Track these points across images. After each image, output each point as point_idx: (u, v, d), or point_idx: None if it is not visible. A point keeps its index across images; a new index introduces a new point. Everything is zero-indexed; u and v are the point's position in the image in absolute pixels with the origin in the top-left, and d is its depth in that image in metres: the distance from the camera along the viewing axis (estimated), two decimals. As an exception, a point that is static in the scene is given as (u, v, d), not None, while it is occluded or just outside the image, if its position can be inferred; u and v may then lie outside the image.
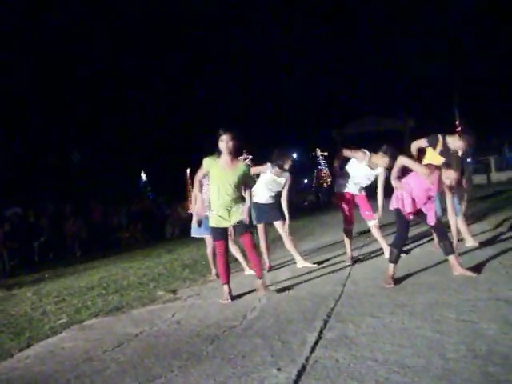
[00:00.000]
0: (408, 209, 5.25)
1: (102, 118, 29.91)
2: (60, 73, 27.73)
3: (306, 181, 63.74)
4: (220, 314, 5.11)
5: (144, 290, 7.05)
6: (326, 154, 60.57)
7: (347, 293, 5.18)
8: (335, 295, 5.10)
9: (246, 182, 5.79)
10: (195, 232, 7.24)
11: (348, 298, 4.96)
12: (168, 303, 6.03)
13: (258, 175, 7.40)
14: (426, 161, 6.56)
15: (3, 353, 4.66)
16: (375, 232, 7.01)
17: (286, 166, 7.18)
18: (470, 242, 6.82)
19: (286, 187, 7.24)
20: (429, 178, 5.19)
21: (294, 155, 63.84)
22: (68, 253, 16.93)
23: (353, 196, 7.00)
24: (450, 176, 5.15)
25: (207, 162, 5.69)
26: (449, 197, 5.43)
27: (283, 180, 7.19)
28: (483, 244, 6.80)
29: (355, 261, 6.99)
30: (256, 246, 5.85)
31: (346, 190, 6.99)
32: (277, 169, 7.13)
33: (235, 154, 5.68)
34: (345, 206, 7.03)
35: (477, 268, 5.33)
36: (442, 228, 5.42)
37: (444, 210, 6.68)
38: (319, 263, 7.19)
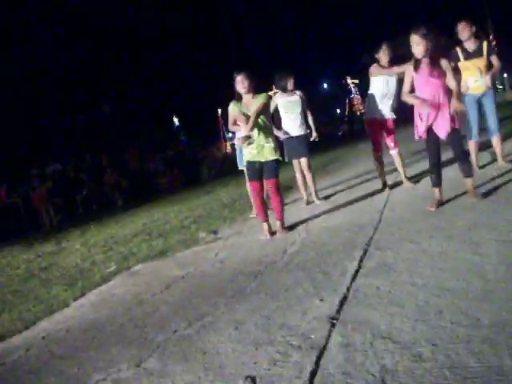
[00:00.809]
0: (421, 128, 5.11)
1: (129, 68, 29.78)
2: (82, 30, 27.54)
3: (338, 110, 62.78)
4: (261, 250, 5.23)
5: (186, 233, 7.24)
6: (357, 81, 58.91)
7: (385, 220, 5.21)
8: (373, 223, 5.13)
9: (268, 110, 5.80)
10: (242, 164, 7.19)
11: (386, 225, 4.99)
12: (210, 243, 6.19)
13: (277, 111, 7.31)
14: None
15: (60, 303, 4.92)
16: (397, 161, 6.93)
17: (290, 85, 7.13)
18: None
19: (305, 105, 7.23)
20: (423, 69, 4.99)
21: (325, 85, 62.70)
22: (110, 203, 17.36)
23: (381, 122, 6.87)
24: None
25: (231, 107, 5.75)
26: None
27: (296, 97, 7.16)
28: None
29: (391, 187, 6.97)
30: (280, 190, 5.89)
31: (375, 114, 6.88)
32: (285, 91, 7.15)
33: (254, 91, 5.71)
34: (373, 132, 6.96)
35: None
36: (460, 144, 5.13)
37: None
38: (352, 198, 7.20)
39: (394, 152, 6.92)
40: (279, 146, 6.10)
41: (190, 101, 32.18)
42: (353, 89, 61.54)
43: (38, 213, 15.27)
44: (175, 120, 41.27)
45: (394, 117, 6.87)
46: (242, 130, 5.75)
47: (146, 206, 13.40)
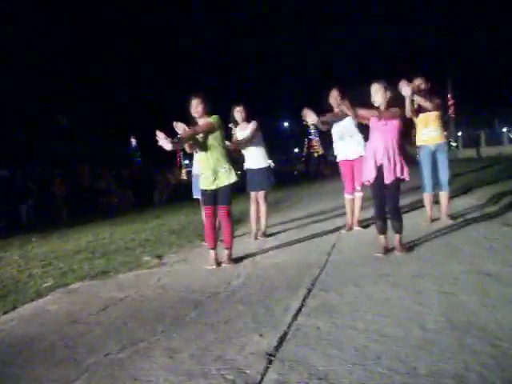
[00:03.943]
0: (369, 169, 5.21)
1: (90, 82, 29.39)
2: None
3: (296, 150, 63.69)
4: (205, 279, 5.15)
5: (130, 255, 7.06)
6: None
7: (332, 262, 5.24)
8: (320, 264, 5.15)
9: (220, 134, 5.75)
10: (197, 193, 7.11)
11: (332, 267, 5.01)
12: (154, 268, 6.06)
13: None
14: None
15: (-12, 314, 4.67)
16: (357, 204, 7.03)
17: (238, 116, 7.21)
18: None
19: (256, 133, 7.16)
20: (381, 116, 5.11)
21: (285, 124, 63.58)
22: (55, 216, 16.85)
23: (349, 162, 6.95)
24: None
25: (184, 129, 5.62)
26: None
27: (249, 128, 7.15)
28: (469, 218, 6.85)
29: (340, 230, 7.05)
30: (231, 218, 5.85)
31: (341, 155, 6.99)
32: (238, 125, 7.21)
33: (207, 115, 5.65)
34: (342, 173, 7.08)
35: (460, 241, 5.40)
36: (396, 197, 5.22)
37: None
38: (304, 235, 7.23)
39: (358, 195, 6.99)
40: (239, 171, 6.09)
41: (148, 123, 31.91)
42: (312, 130, 62.67)
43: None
44: (132, 140, 40.87)
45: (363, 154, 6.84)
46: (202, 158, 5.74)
47: (93, 224, 13.07)
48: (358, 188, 6.93)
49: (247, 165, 7.30)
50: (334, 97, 6.78)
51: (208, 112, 5.66)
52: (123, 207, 18.70)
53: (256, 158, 7.22)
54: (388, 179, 5.10)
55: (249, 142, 7.09)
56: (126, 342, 3.45)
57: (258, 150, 7.21)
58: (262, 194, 7.28)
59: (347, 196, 7.06)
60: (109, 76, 30.02)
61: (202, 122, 5.62)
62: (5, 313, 4.72)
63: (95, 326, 3.96)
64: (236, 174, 5.76)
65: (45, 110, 27.30)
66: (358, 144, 6.81)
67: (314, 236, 6.96)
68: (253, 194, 7.34)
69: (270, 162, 7.34)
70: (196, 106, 5.61)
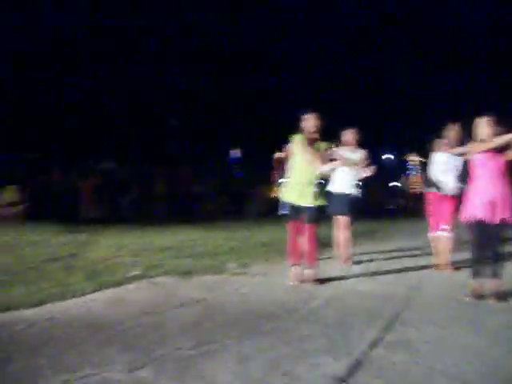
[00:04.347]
0: (472, 208, 4.94)
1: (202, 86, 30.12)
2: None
3: (395, 184, 62.21)
4: (284, 295, 5.11)
5: (216, 260, 7.17)
6: (418, 159, 57.95)
7: (417, 298, 5.02)
8: (404, 298, 4.96)
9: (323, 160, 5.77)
10: (285, 210, 7.15)
11: (416, 303, 4.81)
12: (236, 276, 6.12)
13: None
14: None
15: (74, 291, 4.90)
16: (445, 245, 6.67)
17: (349, 137, 7.14)
18: None
19: (363, 165, 7.05)
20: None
21: (391, 156, 62.21)
22: (153, 212, 17.52)
23: (441, 197, 6.67)
24: None
25: (293, 139, 5.78)
26: None
27: (358, 155, 7.07)
28: None
29: (429, 268, 6.76)
30: (315, 238, 5.76)
31: (434, 189, 6.72)
32: (344, 146, 7.11)
33: (317, 135, 5.73)
34: (431, 208, 6.78)
35: None
36: (499, 241, 4.91)
37: None
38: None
39: (447, 235, 6.65)
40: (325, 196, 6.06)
41: (252, 137, 32.24)
42: (413, 166, 60.96)
43: (81, 202, 15.52)
44: (234, 152, 41.58)
45: (457, 193, 6.38)
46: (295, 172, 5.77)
47: (186, 225, 13.45)
48: (448, 227, 6.59)
49: (335, 188, 7.17)
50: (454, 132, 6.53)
51: (320, 130, 5.74)
52: (217, 213, 19.11)
53: (346, 184, 7.13)
54: (494, 219, 4.82)
55: (351, 165, 7.00)
56: (199, 341, 3.47)
57: (350, 176, 7.11)
58: (346, 220, 7.15)
59: (434, 234, 6.76)
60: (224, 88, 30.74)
61: (312, 139, 5.70)
62: (91, 292, 4.95)
63: (171, 320, 4.03)
64: (324, 198, 5.80)
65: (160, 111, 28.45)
66: (458, 180, 6.51)
67: (401, 270, 6.73)
68: (338, 218, 7.23)
69: (359, 190, 7.21)
70: (314, 121, 5.70)
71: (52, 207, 14.81)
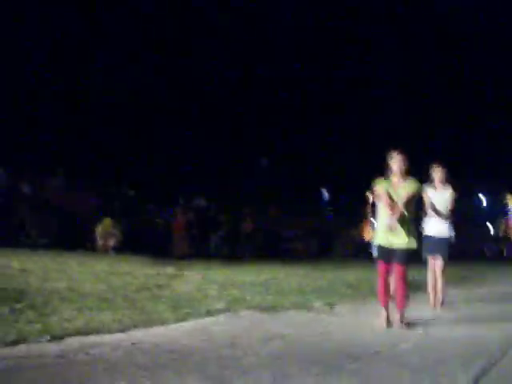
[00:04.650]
0: None
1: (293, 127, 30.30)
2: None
3: (491, 228, 58.91)
4: (371, 336, 4.91)
5: (302, 298, 7.05)
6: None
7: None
8: (501, 346, 4.61)
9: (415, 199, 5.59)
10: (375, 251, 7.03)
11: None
12: (322, 314, 5.98)
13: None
14: None
15: (160, 320, 4.96)
16: None
17: (437, 176, 6.85)
18: None
19: (451, 203, 6.80)
20: None
21: (483, 200, 59.28)
22: (240, 250, 17.69)
23: None
24: None
25: (379, 184, 5.61)
26: None
27: (447, 194, 6.80)
28: None
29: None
30: (406, 279, 5.52)
31: None
32: (433, 184, 6.84)
33: (406, 174, 5.53)
34: None
35: None
36: None
37: None
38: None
39: None
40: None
41: (341, 178, 31.77)
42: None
43: (171, 238, 15.94)
44: (325, 193, 41.32)
45: None
46: (384, 214, 5.55)
47: (272, 263, 13.41)
48: None
49: (428, 231, 6.94)
50: None
51: (406, 170, 5.53)
52: (304, 253, 18.98)
53: (440, 227, 6.84)
54: None
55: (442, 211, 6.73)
56: (278, 376, 3.36)
57: (444, 219, 6.81)
58: (440, 264, 6.84)
59: None
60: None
61: (399, 178, 5.50)
62: (175, 322, 4.99)
63: (252, 354, 3.95)
64: (416, 239, 5.52)
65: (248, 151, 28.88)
66: None
67: (495, 316, 6.32)
68: (431, 261, 6.94)
69: (453, 234, 6.87)
70: (401, 160, 5.50)
71: (144, 241, 15.31)
